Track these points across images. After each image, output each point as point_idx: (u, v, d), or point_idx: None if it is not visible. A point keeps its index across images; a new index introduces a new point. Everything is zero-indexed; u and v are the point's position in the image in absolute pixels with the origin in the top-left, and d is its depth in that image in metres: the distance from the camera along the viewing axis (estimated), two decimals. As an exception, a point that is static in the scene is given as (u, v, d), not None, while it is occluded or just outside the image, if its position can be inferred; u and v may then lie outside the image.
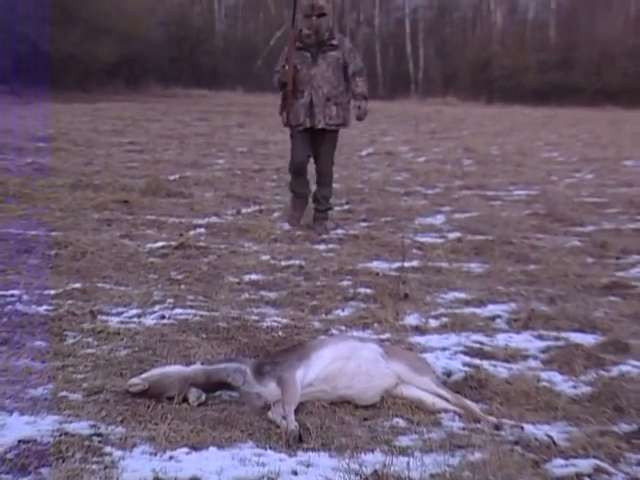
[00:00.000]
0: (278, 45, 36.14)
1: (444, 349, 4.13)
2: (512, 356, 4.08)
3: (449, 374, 3.79)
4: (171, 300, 4.80)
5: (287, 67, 6.83)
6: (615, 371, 3.85)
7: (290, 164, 7.35)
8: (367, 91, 7.03)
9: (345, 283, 5.37)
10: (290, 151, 7.38)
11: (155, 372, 3.40)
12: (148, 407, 3.25)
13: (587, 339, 4.32)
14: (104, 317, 4.40)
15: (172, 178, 9.96)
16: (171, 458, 2.81)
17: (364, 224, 7.68)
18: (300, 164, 7.19)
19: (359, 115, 7.00)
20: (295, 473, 2.75)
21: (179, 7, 46.42)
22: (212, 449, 2.89)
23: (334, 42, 6.92)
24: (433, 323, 4.61)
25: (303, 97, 6.91)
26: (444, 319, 4.67)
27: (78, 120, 18.38)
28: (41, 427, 2.96)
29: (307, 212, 7.48)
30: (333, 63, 6.88)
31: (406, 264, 5.65)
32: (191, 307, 4.68)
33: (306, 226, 7.25)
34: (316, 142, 7.13)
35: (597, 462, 2.87)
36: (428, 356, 3.95)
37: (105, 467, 2.72)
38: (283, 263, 5.93)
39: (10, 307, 4.43)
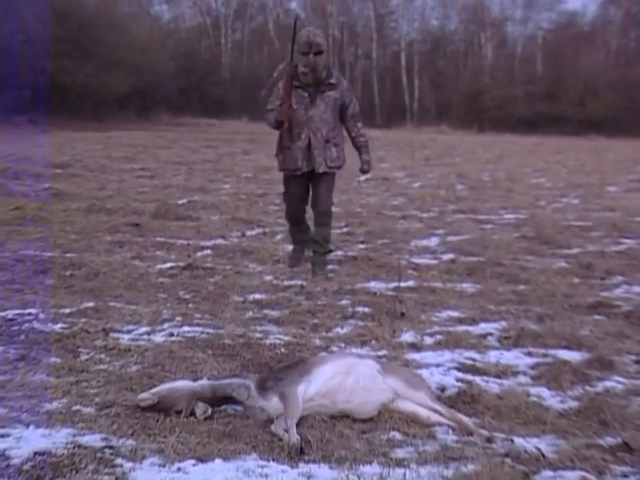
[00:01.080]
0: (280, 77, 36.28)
1: (438, 365, 4.12)
2: (503, 372, 4.07)
3: (443, 389, 3.78)
4: (179, 318, 4.80)
5: (283, 105, 6.08)
6: (600, 387, 3.85)
7: (286, 212, 6.62)
8: (364, 132, 6.43)
9: (344, 302, 5.37)
10: (284, 197, 6.61)
11: (164, 387, 3.40)
12: (157, 420, 3.24)
13: (574, 356, 4.31)
14: (116, 334, 4.40)
15: (180, 202, 9.98)
16: (179, 470, 2.80)
17: (362, 246, 7.68)
18: (298, 213, 6.51)
19: (366, 169, 6.45)
20: (297, 484, 2.74)
21: (188, 41, 46.80)
22: (218, 461, 2.88)
23: (332, 81, 6.18)
24: (428, 340, 4.60)
25: (300, 140, 6.16)
26: (438, 337, 4.66)
27: (92, 148, 18.44)
28: (56, 439, 2.95)
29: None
30: (331, 104, 6.17)
31: (402, 284, 5.65)
32: (198, 325, 4.67)
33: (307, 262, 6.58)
34: (313, 184, 6.37)
35: (584, 474, 2.86)
36: (423, 372, 3.94)
37: (116, 478, 2.71)
38: (285, 283, 5.93)
39: (27, 325, 4.42)
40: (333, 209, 6.76)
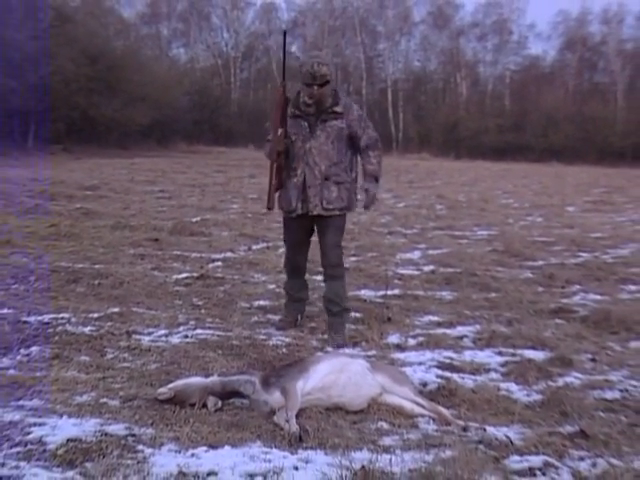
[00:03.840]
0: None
1: (420, 364, 4.12)
2: (477, 369, 4.07)
3: (425, 384, 3.78)
4: (193, 322, 4.80)
5: (278, 133, 4.60)
6: (561, 382, 3.85)
7: (285, 260, 5.09)
8: (381, 170, 4.80)
9: (338, 308, 5.35)
10: (284, 242, 5.10)
11: (180, 383, 3.40)
12: (174, 412, 3.24)
13: (538, 355, 4.32)
14: (138, 336, 4.39)
15: (194, 220, 9.97)
16: (193, 455, 2.80)
17: (354, 258, 7.68)
18: (296, 261, 4.93)
19: (366, 203, 4.73)
20: (296, 468, 2.73)
21: (202, 79, 46.90)
22: (227, 447, 2.88)
23: (337, 109, 4.64)
24: (411, 342, 4.60)
25: (296, 176, 4.65)
26: (420, 338, 4.66)
27: (118, 172, 18.45)
28: (85, 428, 2.95)
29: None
30: (334, 134, 4.63)
31: (389, 292, 5.65)
32: (210, 328, 4.67)
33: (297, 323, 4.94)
34: (317, 229, 4.81)
35: (546, 458, 2.86)
36: (407, 369, 3.94)
37: (138, 462, 2.70)
38: (286, 291, 5.91)
39: (61, 327, 4.42)
40: None
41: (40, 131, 25.47)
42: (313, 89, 4.57)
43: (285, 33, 5.19)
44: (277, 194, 4.76)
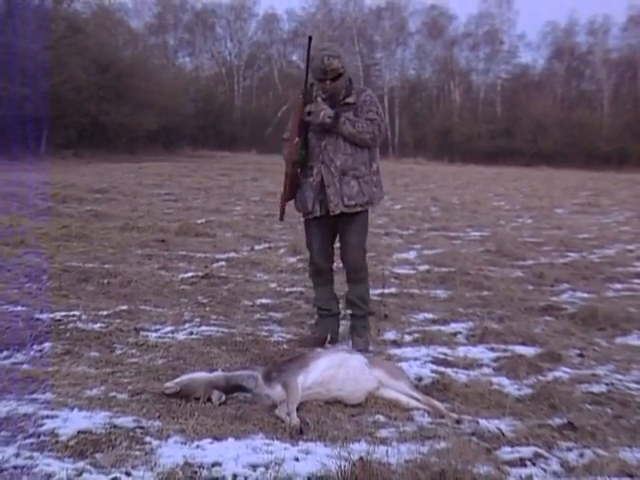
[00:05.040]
0: (284, 117, 36.44)
1: (416, 359, 4.12)
2: (470, 364, 4.07)
3: (420, 379, 3.78)
4: (198, 319, 4.79)
5: (296, 142, 4.24)
6: (550, 376, 3.85)
7: (308, 266, 4.66)
8: (365, 131, 4.19)
9: (337, 306, 5.35)
10: (306, 247, 4.60)
11: (185, 377, 3.39)
12: (180, 405, 3.23)
13: (529, 351, 4.31)
14: (145, 333, 4.39)
15: (199, 222, 9.96)
16: (198, 447, 2.79)
17: (352, 258, 7.65)
18: (319, 264, 4.45)
19: (311, 109, 4.19)
20: (297, 459, 2.72)
21: (206, 87, 46.89)
22: (230, 439, 2.88)
23: (350, 100, 4.24)
24: (407, 338, 4.60)
25: (312, 176, 4.26)
26: (416, 335, 4.66)
27: (126, 176, 18.44)
28: (95, 421, 2.95)
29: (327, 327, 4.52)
30: None
31: (386, 291, 5.64)
32: (214, 325, 4.66)
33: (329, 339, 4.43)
34: (339, 230, 4.39)
35: (536, 449, 2.87)
36: (403, 365, 3.94)
37: (145, 453, 2.70)
38: (287, 290, 5.92)
39: (71, 324, 4.41)
40: None
41: (52, 137, 25.46)
42: (325, 84, 4.21)
43: (310, 39, 4.29)
44: (290, 201, 4.41)
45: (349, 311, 4.49)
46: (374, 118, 4.23)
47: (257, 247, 8.19)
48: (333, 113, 4.17)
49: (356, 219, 4.32)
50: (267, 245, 8.35)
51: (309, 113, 4.19)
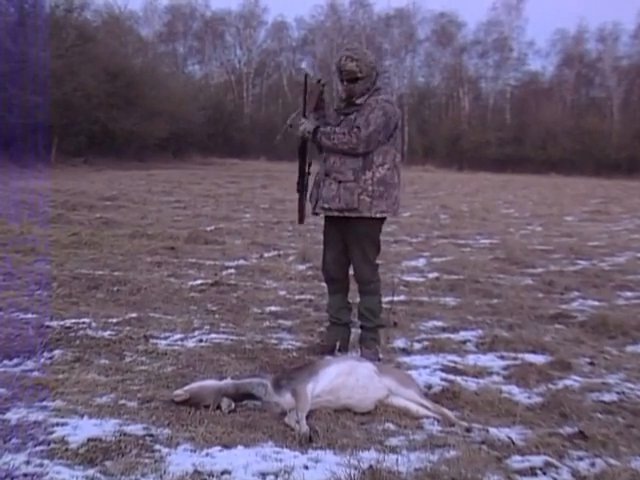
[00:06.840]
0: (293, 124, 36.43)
1: (425, 367, 4.10)
2: (479, 372, 4.05)
3: (429, 387, 3.76)
4: (208, 327, 4.79)
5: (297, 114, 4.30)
6: (561, 384, 3.83)
7: (322, 270, 4.59)
8: (341, 142, 4.06)
9: (346, 313, 5.34)
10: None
11: (195, 385, 3.39)
12: (189, 413, 3.23)
13: (538, 359, 4.29)
14: (155, 340, 4.39)
15: (209, 229, 9.99)
16: (207, 455, 2.79)
17: (361, 266, 7.64)
18: (330, 268, 4.38)
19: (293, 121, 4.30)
20: (306, 467, 2.72)
21: (216, 95, 47.12)
22: (240, 447, 2.88)
23: (358, 101, 4.12)
24: (417, 346, 4.59)
25: (318, 174, 4.30)
26: (425, 343, 4.65)
27: (136, 183, 18.53)
28: (105, 428, 2.95)
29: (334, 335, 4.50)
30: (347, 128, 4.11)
31: (395, 298, 5.62)
32: (223, 332, 4.67)
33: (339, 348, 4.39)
34: (345, 239, 4.28)
35: (547, 458, 2.85)
36: (413, 373, 3.93)
37: (155, 461, 2.70)
38: (297, 297, 5.92)
39: (81, 332, 4.43)
40: None
41: (63, 144, 25.64)
42: (343, 84, 4.13)
43: (307, 75, 4.34)
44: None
45: (360, 322, 4.43)
46: (358, 127, 4.06)
47: (266, 254, 8.19)
48: (312, 129, 4.17)
49: (353, 228, 4.19)
50: (276, 252, 8.35)
51: (291, 125, 4.27)
